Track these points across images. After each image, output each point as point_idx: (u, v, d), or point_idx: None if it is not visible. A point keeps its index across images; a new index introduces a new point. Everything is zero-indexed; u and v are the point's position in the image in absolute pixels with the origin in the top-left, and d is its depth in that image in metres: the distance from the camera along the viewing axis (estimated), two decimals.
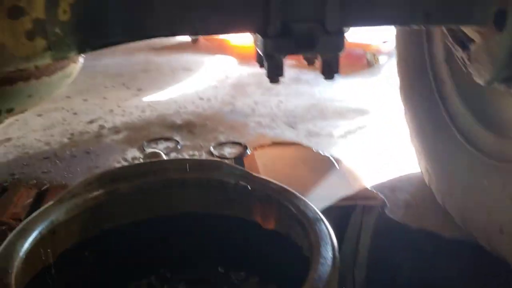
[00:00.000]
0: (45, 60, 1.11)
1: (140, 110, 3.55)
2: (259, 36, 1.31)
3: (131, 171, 1.57)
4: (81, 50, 1.20)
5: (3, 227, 1.89)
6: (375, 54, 4.84)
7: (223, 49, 5.44)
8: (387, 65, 4.71)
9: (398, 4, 1.33)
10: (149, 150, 2.67)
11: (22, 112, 1.27)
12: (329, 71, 1.34)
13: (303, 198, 1.41)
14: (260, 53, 1.32)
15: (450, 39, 1.79)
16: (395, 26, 1.38)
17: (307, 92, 3.86)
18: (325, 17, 1.26)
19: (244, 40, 5.45)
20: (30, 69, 1.11)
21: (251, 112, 3.44)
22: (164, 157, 2.27)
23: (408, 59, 2.31)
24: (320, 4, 1.25)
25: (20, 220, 1.96)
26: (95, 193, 1.47)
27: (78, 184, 1.46)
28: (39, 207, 2.05)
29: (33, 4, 1.04)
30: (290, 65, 4.33)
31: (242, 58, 5.11)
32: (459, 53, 1.63)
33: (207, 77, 4.45)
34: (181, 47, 5.64)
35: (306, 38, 1.26)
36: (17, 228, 1.29)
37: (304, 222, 1.33)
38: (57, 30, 1.10)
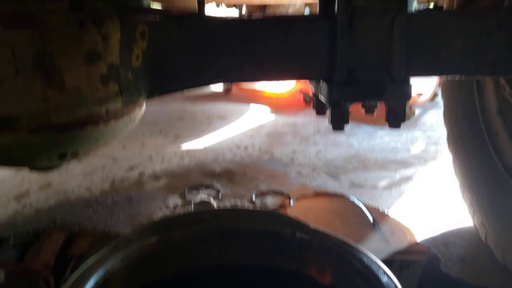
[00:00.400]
0: (117, 105, 1.12)
1: (178, 157, 3.56)
2: (322, 83, 1.30)
3: (185, 219, 1.54)
4: (150, 95, 1.21)
5: (35, 277, 1.88)
6: (411, 106, 4.82)
7: (255, 98, 5.50)
8: (423, 117, 4.67)
9: (464, 54, 1.31)
10: (191, 197, 2.65)
11: (84, 156, 1.27)
12: (395, 120, 1.31)
13: (366, 251, 1.36)
14: (323, 100, 1.31)
15: (508, 90, 1.76)
16: (460, 76, 1.35)
17: (345, 142, 3.83)
18: (390, 65, 1.25)
19: (277, 89, 5.51)
20: (101, 113, 1.11)
21: (290, 162, 3.41)
22: (215, 206, 2.24)
23: (457, 109, 2.27)
24: (386, 53, 1.25)
25: (50, 267, 1.94)
26: (150, 241, 1.44)
27: (133, 230, 1.44)
28: (67, 253, 2.06)
29: (109, 50, 1.06)
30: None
31: (275, 107, 5.15)
32: None
33: (242, 126, 4.47)
34: (214, 96, 5.73)
35: (372, 86, 1.24)
36: (71, 279, 1.26)
37: (369, 276, 1.27)
38: (130, 75, 1.12)
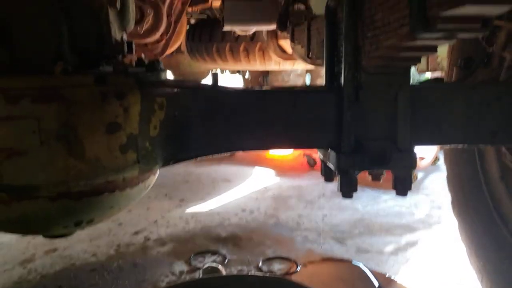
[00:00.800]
0: (134, 173, 1.16)
1: (184, 222, 3.56)
2: (330, 152, 1.35)
3: (194, 286, 1.54)
4: (166, 163, 1.25)
5: None
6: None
7: (259, 160, 5.56)
8: (426, 180, 4.70)
9: (466, 124, 1.37)
10: (196, 264, 2.63)
11: (98, 222, 1.30)
12: (402, 187, 1.35)
13: None
14: (332, 168, 1.35)
15: (510, 158, 1.80)
16: (462, 145, 1.40)
17: (350, 207, 3.84)
18: (396, 135, 1.31)
19: (281, 152, 5.58)
20: (118, 181, 1.15)
21: (296, 226, 3.41)
22: (224, 272, 2.23)
23: (460, 175, 2.30)
24: (391, 123, 1.30)
25: None
26: None
27: None
28: None
29: (129, 121, 1.12)
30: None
31: (279, 169, 5.19)
32: None
33: (247, 189, 4.50)
34: (218, 158, 5.78)
35: (379, 155, 1.29)
36: None
37: None
38: (147, 144, 1.17)
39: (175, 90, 1.24)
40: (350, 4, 1.26)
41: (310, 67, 3.96)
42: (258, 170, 5.25)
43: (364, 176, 1.38)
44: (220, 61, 4.66)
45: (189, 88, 1.28)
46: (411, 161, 1.30)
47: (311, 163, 5.18)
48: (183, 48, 4.82)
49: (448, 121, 1.36)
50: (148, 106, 1.16)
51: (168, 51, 3.86)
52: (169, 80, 1.30)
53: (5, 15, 1.04)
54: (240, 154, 5.92)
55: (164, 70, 1.28)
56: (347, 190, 1.32)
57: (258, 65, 4.52)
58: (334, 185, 4.37)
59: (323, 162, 1.49)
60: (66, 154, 1.05)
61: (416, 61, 1.13)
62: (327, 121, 1.33)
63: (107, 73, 1.11)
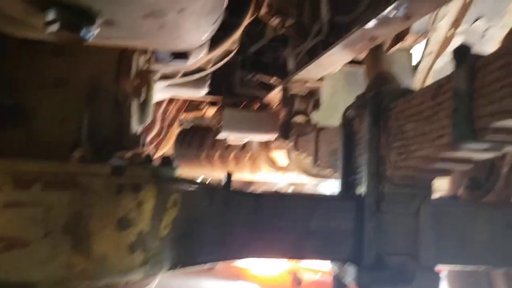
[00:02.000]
0: (139, 276, 1.05)
1: None
2: (348, 266, 1.26)
3: None
4: (173, 267, 1.14)
5: None
6: None
7: (241, 276, 5.30)
8: None
9: (489, 245, 1.31)
10: None
11: None
12: None
13: None
14: (352, 283, 1.25)
15: None
16: (486, 266, 1.33)
17: None
18: (418, 251, 1.23)
19: (265, 269, 5.34)
20: (119, 285, 1.03)
21: None
22: None
23: None
24: (413, 238, 1.24)
25: None
26: None
27: None
28: None
29: (142, 217, 1.03)
30: None
31: (263, 286, 4.94)
32: None
33: None
34: (196, 271, 5.50)
35: (401, 271, 1.20)
36: None
37: None
38: (157, 244, 1.07)
39: (191, 187, 1.17)
40: (373, 114, 1.25)
41: (300, 180, 3.94)
42: (241, 286, 4.99)
43: None
44: (208, 168, 4.63)
45: (205, 187, 1.21)
46: (436, 281, 1.21)
47: (297, 282, 4.96)
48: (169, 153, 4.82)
49: (472, 241, 1.30)
50: (162, 202, 1.08)
51: (156, 155, 3.83)
52: (184, 177, 1.23)
53: (28, 96, 0.99)
54: (221, 266, 5.67)
55: (178, 167, 1.22)
56: None
57: (247, 174, 4.50)
58: None
59: (336, 278, 1.39)
60: (71, 249, 0.94)
61: (448, 173, 1.09)
62: (346, 232, 1.25)
63: (125, 165, 1.05)
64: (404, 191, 1.23)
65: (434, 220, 1.24)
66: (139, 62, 1.24)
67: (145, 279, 1.10)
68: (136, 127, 1.22)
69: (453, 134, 0.88)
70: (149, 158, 1.23)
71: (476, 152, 0.91)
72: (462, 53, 0.85)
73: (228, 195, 1.22)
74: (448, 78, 0.93)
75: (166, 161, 1.18)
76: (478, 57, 0.84)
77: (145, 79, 1.22)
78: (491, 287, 2.02)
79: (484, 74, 0.81)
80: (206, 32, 0.99)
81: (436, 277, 1.21)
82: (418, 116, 1.05)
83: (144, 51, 1.22)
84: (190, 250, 1.16)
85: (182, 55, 1.41)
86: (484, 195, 1.70)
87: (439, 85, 0.97)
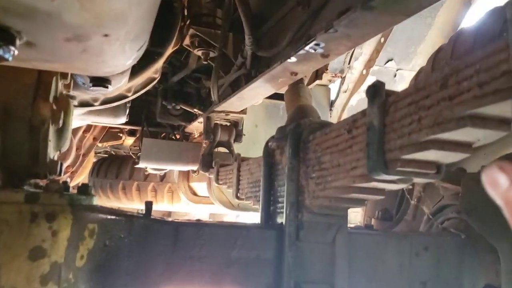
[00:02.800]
0: None
1: None
2: None
3: None
4: None
5: None
6: None
7: None
8: None
9: (398, 272, 1.39)
10: None
11: None
12: None
13: None
14: None
15: None
16: None
17: None
18: (333, 280, 1.27)
19: None
20: None
21: None
22: None
23: None
24: (329, 267, 1.28)
25: None
26: None
27: None
28: None
29: (56, 247, 0.99)
30: None
31: None
32: None
33: None
34: None
35: None
36: None
37: None
38: (71, 276, 1.02)
39: (109, 216, 1.13)
40: (294, 145, 1.30)
41: (223, 210, 3.94)
42: None
43: None
44: (125, 199, 4.49)
45: (123, 215, 1.18)
46: None
47: None
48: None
49: (382, 269, 1.37)
50: (78, 232, 1.04)
51: (71, 184, 3.65)
52: (101, 206, 1.19)
53: None
54: None
55: (95, 195, 1.18)
56: None
57: (166, 205, 4.41)
58: None
59: None
60: None
61: (362, 203, 1.15)
62: (266, 261, 1.27)
63: (40, 192, 1.00)
64: (321, 220, 1.27)
65: (349, 249, 1.30)
66: (58, 86, 1.20)
67: None
68: (53, 153, 1.17)
69: (367, 166, 0.93)
70: (66, 186, 1.18)
71: (388, 183, 0.97)
72: (375, 90, 0.91)
73: (148, 224, 1.20)
74: (362, 113, 0.99)
75: (83, 189, 1.14)
76: (390, 93, 0.90)
77: (64, 104, 1.18)
78: None
79: (395, 110, 0.87)
80: (130, 58, 0.99)
81: None
82: (334, 148, 1.11)
83: (65, 76, 1.19)
84: (106, 282, 1.11)
85: (103, 82, 1.39)
86: (395, 225, 1.80)
87: (354, 119, 1.03)
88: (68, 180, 1.23)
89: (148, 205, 1.26)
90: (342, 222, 1.29)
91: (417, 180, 0.93)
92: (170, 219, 1.28)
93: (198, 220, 1.31)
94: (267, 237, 1.28)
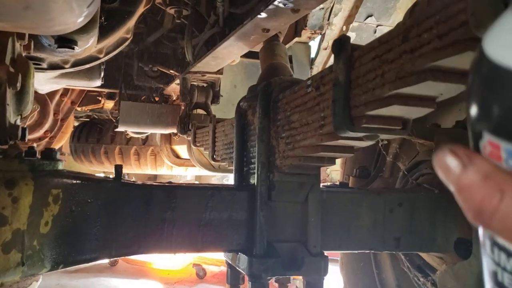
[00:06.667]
0: (15, 277, 0.97)
1: None
2: (241, 255, 1.26)
3: None
4: (54, 267, 1.07)
5: None
6: None
7: (144, 272, 5.19)
8: None
9: (372, 229, 1.39)
10: None
11: None
12: None
13: None
14: (244, 272, 1.26)
15: (407, 265, 1.85)
16: (370, 251, 1.41)
17: None
18: (306, 238, 1.27)
19: (168, 263, 5.27)
20: None
21: None
22: None
23: (357, 285, 2.31)
24: (302, 226, 1.27)
25: None
26: None
27: None
28: None
29: (18, 214, 0.96)
30: None
31: (167, 282, 4.88)
32: (418, 279, 1.68)
33: None
34: (97, 269, 5.28)
35: (291, 259, 1.23)
36: None
37: None
38: (35, 243, 1.00)
39: (74, 181, 1.11)
40: (264, 105, 1.27)
41: (204, 172, 3.94)
42: (143, 284, 4.87)
43: None
44: (108, 163, 4.45)
45: (90, 180, 1.15)
46: (322, 267, 1.25)
47: (201, 275, 4.94)
48: (64, 149, 4.57)
49: (356, 226, 1.37)
50: (41, 198, 1.01)
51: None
52: (68, 170, 1.16)
53: None
54: (123, 264, 5.50)
55: (61, 160, 1.15)
56: None
57: (149, 169, 4.38)
58: None
59: (230, 267, 1.40)
60: None
61: (332, 162, 1.13)
62: (239, 222, 1.26)
63: None
64: (293, 180, 1.26)
65: (322, 208, 1.29)
66: (16, 47, 1.14)
67: (24, 280, 1.03)
68: (13, 117, 1.13)
69: (333, 123, 0.91)
70: (32, 151, 1.15)
71: (355, 140, 0.95)
72: (340, 44, 0.88)
73: (118, 188, 1.17)
74: (329, 69, 0.96)
75: (47, 154, 1.10)
76: (355, 48, 0.87)
77: (22, 67, 1.13)
78: (379, 269, 2.15)
79: (360, 64, 0.84)
80: (80, 16, 0.94)
81: (324, 263, 1.26)
82: (303, 106, 1.08)
83: (22, 36, 1.13)
84: (74, 248, 1.10)
85: (68, 42, 1.33)
86: (371, 182, 1.80)
87: (322, 76, 1.00)
88: (35, 145, 1.19)
89: (118, 168, 1.23)
90: (315, 181, 1.27)
91: (383, 136, 0.91)
92: (140, 182, 1.26)
93: (170, 182, 1.29)
94: (239, 198, 1.27)
